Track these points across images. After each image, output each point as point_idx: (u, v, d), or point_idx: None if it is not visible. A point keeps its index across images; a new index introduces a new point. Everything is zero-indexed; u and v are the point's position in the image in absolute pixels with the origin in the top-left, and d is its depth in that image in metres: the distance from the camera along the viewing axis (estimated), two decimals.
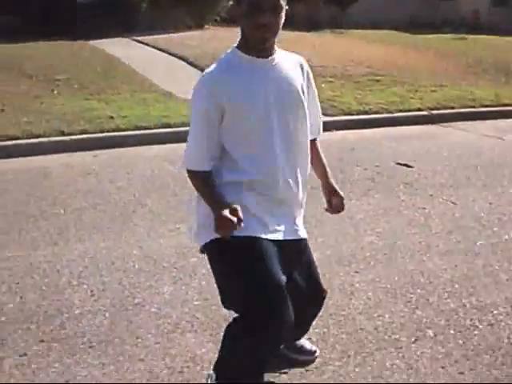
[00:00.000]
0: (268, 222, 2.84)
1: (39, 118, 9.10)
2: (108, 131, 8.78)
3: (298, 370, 3.34)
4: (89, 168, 7.37)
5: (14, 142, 8.27)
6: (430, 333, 3.70)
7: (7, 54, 13.98)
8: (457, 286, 4.31)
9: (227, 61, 2.86)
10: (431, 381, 3.23)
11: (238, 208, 2.65)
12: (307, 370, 3.33)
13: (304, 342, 3.44)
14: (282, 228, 2.89)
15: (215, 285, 3.02)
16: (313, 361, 3.40)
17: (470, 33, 22.32)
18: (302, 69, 2.99)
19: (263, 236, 2.80)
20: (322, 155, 3.21)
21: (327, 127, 9.88)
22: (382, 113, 10.30)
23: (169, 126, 9.13)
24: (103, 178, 6.96)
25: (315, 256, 4.65)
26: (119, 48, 16.15)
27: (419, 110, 10.48)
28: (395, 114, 10.28)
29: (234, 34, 16.60)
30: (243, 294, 2.76)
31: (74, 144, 8.35)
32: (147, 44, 16.91)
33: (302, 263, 3.10)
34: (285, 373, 3.32)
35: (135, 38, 17.99)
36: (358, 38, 19.29)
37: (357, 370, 3.24)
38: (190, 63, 14.37)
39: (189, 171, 2.93)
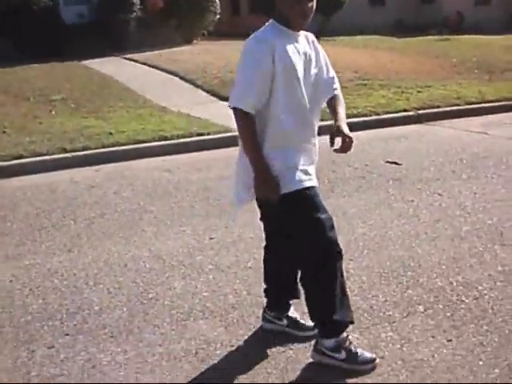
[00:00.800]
0: (310, 172, 3.44)
1: (41, 138, 9.49)
2: (108, 146, 9.17)
3: (302, 345, 3.69)
4: (93, 182, 7.73)
5: (18, 161, 8.67)
6: (421, 308, 4.06)
7: (3, 78, 14.39)
8: (444, 267, 4.67)
9: (271, 30, 3.38)
10: (423, 348, 3.59)
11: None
12: (310, 345, 3.68)
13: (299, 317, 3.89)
14: (313, 174, 3.51)
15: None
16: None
17: (454, 33, 22.81)
18: (308, 40, 3.54)
19: (313, 184, 3.42)
20: (342, 103, 3.64)
21: (319, 132, 10.23)
22: (371, 115, 10.69)
23: (165, 138, 9.52)
24: (108, 190, 7.32)
25: None
26: (111, 66, 16.56)
27: (406, 110, 10.86)
28: (383, 116, 10.67)
29: (222, 48, 17.29)
30: (314, 234, 3.36)
31: (77, 160, 8.74)
32: (138, 61, 17.33)
33: None
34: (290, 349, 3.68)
35: (125, 56, 18.39)
36: (343, 45, 19.74)
37: (355, 342, 3.58)
38: (182, 78, 14.76)
39: (238, 110, 3.32)
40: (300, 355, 3.61)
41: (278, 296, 3.85)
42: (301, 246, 3.42)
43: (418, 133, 9.83)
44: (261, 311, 4.01)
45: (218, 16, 22.00)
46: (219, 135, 9.68)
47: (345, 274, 3.56)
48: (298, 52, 3.38)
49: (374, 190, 6.73)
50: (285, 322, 3.84)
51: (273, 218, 3.56)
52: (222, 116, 10.75)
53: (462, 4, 29.40)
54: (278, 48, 3.28)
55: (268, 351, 3.64)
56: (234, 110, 3.33)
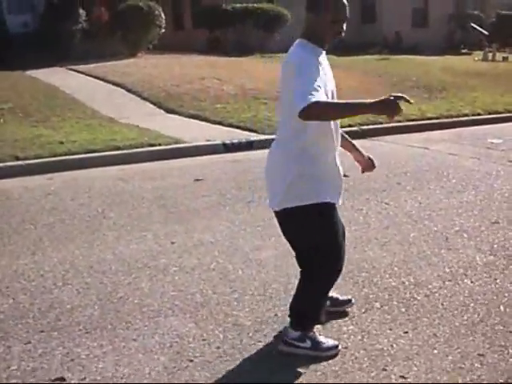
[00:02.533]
0: (338, 186, 3.74)
1: None
2: (61, 155, 9.27)
3: (271, 339, 3.95)
4: (48, 189, 7.84)
5: None
6: (377, 305, 4.37)
7: None
8: (396, 268, 5.00)
9: (307, 48, 3.50)
10: (382, 339, 3.88)
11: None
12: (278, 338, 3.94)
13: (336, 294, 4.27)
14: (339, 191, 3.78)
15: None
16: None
17: (393, 53, 23.51)
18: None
19: (335, 201, 3.69)
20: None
21: (267, 145, 10.55)
22: None
23: (118, 148, 9.66)
24: (64, 197, 7.44)
25: (269, 253, 5.34)
26: (57, 77, 16.58)
27: (350, 126, 11.24)
28: None
29: (167, 61, 17.52)
30: (328, 245, 3.65)
31: (29, 168, 8.81)
32: (84, 73, 17.39)
33: None
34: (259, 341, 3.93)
35: (71, 67, 18.41)
36: None
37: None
38: (128, 90, 14.93)
39: (311, 109, 3.12)
40: (271, 346, 3.86)
41: None
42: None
43: (363, 147, 10.04)
44: (227, 309, 4.27)
45: (163, 30, 22.21)
46: (170, 146, 9.88)
47: None
48: (325, 69, 3.54)
49: None
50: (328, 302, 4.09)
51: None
52: (171, 128, 11.00)
53: (400, 25, 30.25)
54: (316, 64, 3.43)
55: (239, 344, 3.88)
56: (307, 111, 3.13)
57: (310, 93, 3.15)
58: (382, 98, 3.15)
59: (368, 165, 4.21)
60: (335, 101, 3.53)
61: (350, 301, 4.30)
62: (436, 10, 32.87)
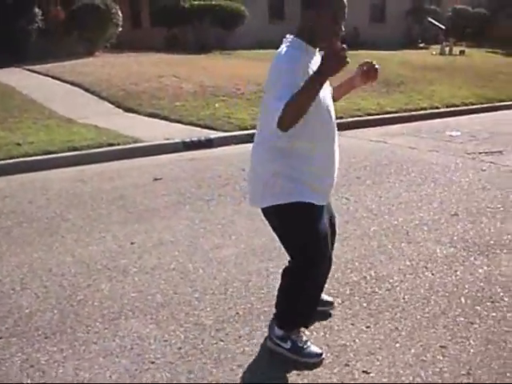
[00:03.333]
0: (321, 186, 3.54)
1: None
2: (18, 157, 9.10)
3: (231, 338, 3.92)
4: (4, 192, 7.70)
5: None
6: (339, 300, 4.36)
7: None
8: (357, 263, 5.01)
9: (300, 47, 3.35)
10: (345, 334, 3.88)
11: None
12: (239, 337, 3.91)
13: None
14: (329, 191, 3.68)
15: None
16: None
17: (351, 49, 23.59)
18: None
19: (320, 203, 3.52)
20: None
21: (227, 142, 10.47)
22: None
23: (76, 149, 9.53)
24: (22, 199, 7.32)
25: (230, 251, 5.31)
26: (13, 77, 16.34)
27: None
28: None
29: (125, 60, 17.34)
30: (306, 246, 3.51)
31: None
32: (41, 73, 17.16)
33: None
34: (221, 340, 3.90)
35: (27, 67, 18.16)
36: (245, 58, 20.15)
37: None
38: (86, 90, 14.77)
39: (281, 119, 3.12)
40: (230, 345, 3.83)
41: None
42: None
43: None
44: (188, 309, 4.24)
45: (121, 28, 22.02)
46: (129, 145, 9.78)
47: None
48: None
49: None
50: None
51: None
52: (129, 127, 10.90)
53: (358, 20, 30.42)
54: (307, 66, 3.30)
55: (201, 344, 3.85)
56: (281, 125, 3.15)
57: (281, 101, 3.11)
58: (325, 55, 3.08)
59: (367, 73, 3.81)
60: (294, 94, 3.22)
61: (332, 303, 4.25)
62: (393, 6, 33.18)
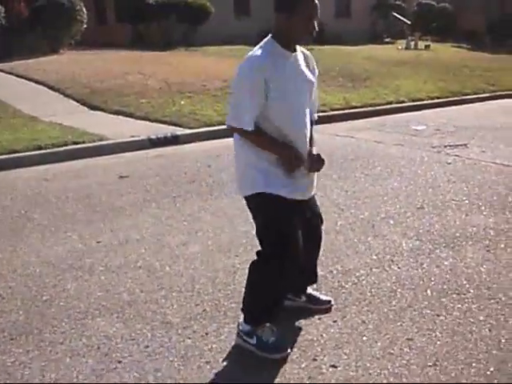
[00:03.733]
0: (293, 180, 3.58)
1: None
2: None
3: (198, 335, 3.91)
4: None
5: None
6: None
7: None
8: (323, 257, 4.99)
9: (268, 49, 3.50)
10: (312, 329, 3.89)
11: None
12: (207, 334, 3.90)
13: (317, 293, 4.24)
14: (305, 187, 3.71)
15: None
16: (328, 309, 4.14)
17: (316, 43, 23.64)
18: (308, 63, 3.74)
19: (292, 197, 3.58)
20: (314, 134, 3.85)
21: (193, 139, 10.41)
22: None
23: (40, 148, 9.43)
24: None
25: (197, 248, 5.29)
26: None
27: None
28: None
29: (90, 57, 17.21)
30: (278, 234, 3.56)
31: None
32: (4, 71, 16.91)
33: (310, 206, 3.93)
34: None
35: None
36: (211, 54, 20.10)
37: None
38: (51, 87, 14.59)
39: (244, 132, 3.49)
40: (198, 342, 3.82)
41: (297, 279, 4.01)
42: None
43: None
44: (155, 307, 4.22)
45: (85, 25, 21.80)
46: (94, 143, 9.70)
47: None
48: (292, 71, 3.55)
49: None
50: (303, 298, 4.16)
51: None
52: (95, 125, 10.81)
53: (323, 15, 30.36)
54: (271, 71, 3.41)
55: (168, 342, 3.83)
56: (231, 128, 3.56)
57: (234, 117, 3.49)
58: (290, 156, 3.50)
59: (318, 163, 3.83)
60: (266, 138, 3.53)
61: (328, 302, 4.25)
62: (359, 1, 33.26)
